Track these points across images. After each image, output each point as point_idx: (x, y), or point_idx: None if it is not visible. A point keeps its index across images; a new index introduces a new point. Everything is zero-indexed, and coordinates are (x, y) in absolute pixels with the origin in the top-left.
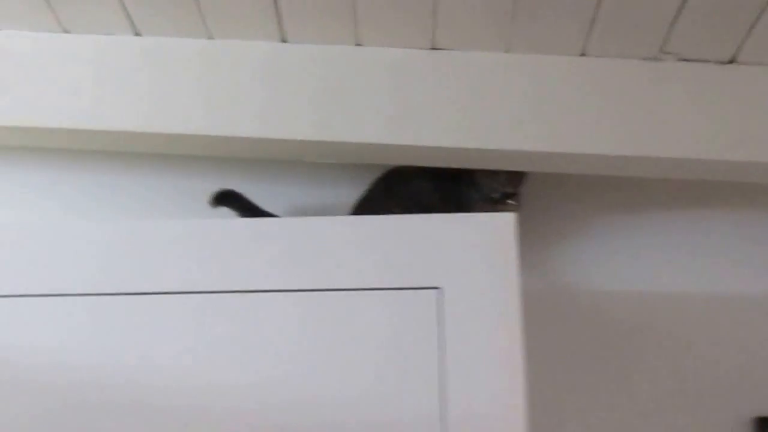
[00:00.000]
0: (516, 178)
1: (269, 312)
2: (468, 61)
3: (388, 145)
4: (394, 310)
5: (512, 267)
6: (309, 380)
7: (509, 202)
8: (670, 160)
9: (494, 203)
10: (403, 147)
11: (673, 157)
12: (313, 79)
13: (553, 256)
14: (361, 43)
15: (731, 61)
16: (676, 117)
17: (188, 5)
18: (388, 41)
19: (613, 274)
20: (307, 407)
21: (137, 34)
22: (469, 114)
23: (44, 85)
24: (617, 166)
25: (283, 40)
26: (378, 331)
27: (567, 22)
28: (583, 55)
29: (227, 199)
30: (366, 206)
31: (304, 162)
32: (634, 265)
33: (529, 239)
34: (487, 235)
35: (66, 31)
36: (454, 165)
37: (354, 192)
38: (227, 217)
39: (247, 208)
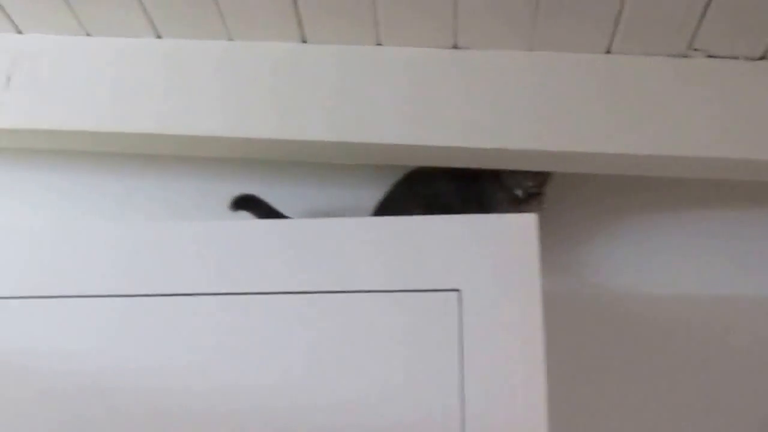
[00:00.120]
0: (541, 177)
1: (289, 314)
2: (490, 60)
3: (409, 146)
4: (413, 312)
5: (533, 268)
6: (330, 381)
7: (535, 202)
8: (698, 160)
9: (519, 203)
10: (424, 148)
11: (702, 157)
12: (333, 80)
13: (578, 258)
14: (381, 43)
15: (762, 57)
16: (705, 115)
17: (209, 7)
18: (409, 41)
19: (639, 276)
20: (328, 408)
21: (158, 36)
22: (491, 114)
23: (66, 87)
24: (643, 166)
25: (303, 41)
26: (397, 333)
27: (591, 18)
28: (608, 52)
29: (247, 203)
30: (387, 208)
31: (324, 164)
32: (660, 266)
33: (552, 240)
34: (507, 236)
35: (88, 34)
36: (476, 165)
37: (375, 194)
38: (246, 219)
39: (267, 213)
